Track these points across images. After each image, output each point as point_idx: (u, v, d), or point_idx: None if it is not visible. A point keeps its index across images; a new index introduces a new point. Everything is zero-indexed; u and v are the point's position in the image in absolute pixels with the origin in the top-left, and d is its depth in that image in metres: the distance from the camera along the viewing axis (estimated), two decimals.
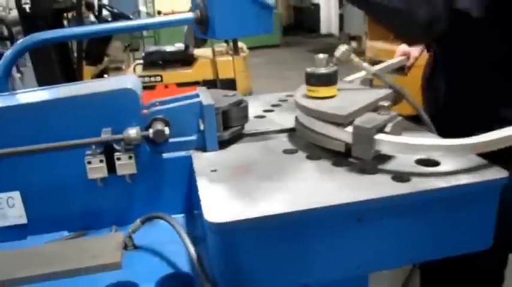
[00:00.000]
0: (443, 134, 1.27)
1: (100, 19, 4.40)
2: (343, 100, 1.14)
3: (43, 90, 1.22)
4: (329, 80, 1.14)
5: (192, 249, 0.94)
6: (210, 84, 4.38)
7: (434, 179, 0.95)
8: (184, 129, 1.19)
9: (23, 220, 1.15)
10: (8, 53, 1.29)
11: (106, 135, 1.08)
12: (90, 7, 4.41)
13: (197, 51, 4.72)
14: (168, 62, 4.38)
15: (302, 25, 14.40)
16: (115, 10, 4.45)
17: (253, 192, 0.93)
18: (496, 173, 0.95)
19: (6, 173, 1.09)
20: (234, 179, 1.01)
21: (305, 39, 13.18)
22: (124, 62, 6.41)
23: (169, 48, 4.49)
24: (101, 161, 1.10)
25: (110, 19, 4.26)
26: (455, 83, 1.42)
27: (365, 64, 1.22)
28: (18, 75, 6.54)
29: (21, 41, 1.29)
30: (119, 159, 1.11)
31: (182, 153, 1.19)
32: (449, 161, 1.02)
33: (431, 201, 0.93)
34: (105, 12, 4.56)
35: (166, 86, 4.38)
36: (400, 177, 0.96)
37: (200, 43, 4.66)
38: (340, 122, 1.04)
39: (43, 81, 4.33)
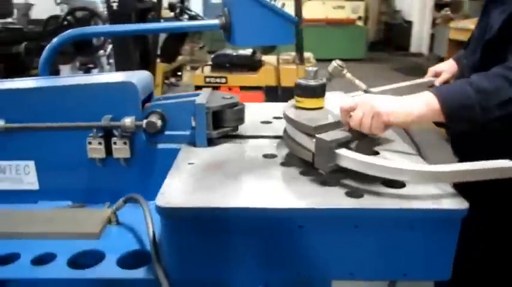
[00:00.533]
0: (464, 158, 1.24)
1: (180, 20, 4.71)
2: (325, 113, 1.17)
3: (65, 77, 1.41)
4: (313, 92, 1.18)
5: (150, 230, 1.03)
6: (272, 90, 4.49)
7: (387, 199, 0.95)
8: (179, 125, 1.30)
9: (35, 187, 1.33)
10: (53, 41, 1.51)
11: (105, 121, 1.22)
12: (172, 8, 4.75)
13: (265, 58, 4.85)
14: (235, 66, 4.55)
15: (391, 42, 14.00)
16: (192, 12, 4.75)
17: (209, 187, 1.00)
18: (455, 204, 0.93)
19: (24, 145, 1.28)
20: (203, 173, 1.09)
21: (391, 57, 12.78)
22: (202, 63, 6.73)
23: (237, 52, 4.67)
24: (100, 143, 1.24)
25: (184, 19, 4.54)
26: None
27: (357, 81, 1.23)
28: (108, 67, 7.19)
29: (61, 35, 1.49)
30: (115, 143, 1.24)
31: (175, 145, 1.29)
32: (416, 185, 1.01)
33: (379, 220, 0.93)
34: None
35: (230, 89, 4.56)
36: (354, 193, 0.97)
37: (267, 50, 4.79)
38: (310, 133, 1.07)
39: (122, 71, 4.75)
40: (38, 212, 1.24)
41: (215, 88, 4.58)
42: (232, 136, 1.35)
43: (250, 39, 1.57)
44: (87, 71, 7.02)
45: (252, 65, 4.60)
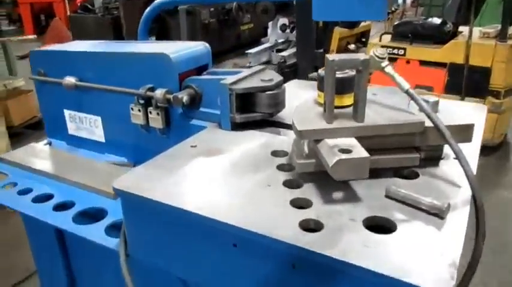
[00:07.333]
0: None
1: None
2: (337, 115, 0.93)
3: (128, 44, 1.49)
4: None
5: None
6: (458, 69, 3.81)
7: (344, 243, 0.72)
8: (213, 103, 1.23)
9: (102, 140, 1.49)
10: (146, 11, 1.61)
11: (143, 90, 1.26)
12: None
13: (463, 29, 4.11)
14: (418, 36, 4.00)
15: None
16: None
17: (172, 176, 0.94)
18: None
19: (92, 101, 1.43)
20: (188, 160, 1.02)
21: None
22: None
23: (424, 20, 4.08)
24: (139, 110, 1.29)
25: None
26: None
27: (400, 78, 0.92)
28: None
29: (152, 5, 1.58)
30: (150, 113, 1.28)
31: (206, 123, 1.25)
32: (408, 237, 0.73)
33: (321, 267, 0.71)
34: None
35: (408, 62, 4.07)
36: (316, 223, 0.77)
37: (462, 20, 4.03)
38: (297, 135, 0.89)
39: (302, 36, 4.85)
40: (84, 162, 1.40)
41: (392, 60, 4.21)
42: (269, 122, 1.21)
43: (329, 13, 1.34)
44: (285, 30, 7.37)
45: (439, 36, 3.98)
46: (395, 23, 4.31)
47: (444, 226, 0.76)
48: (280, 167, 0.98)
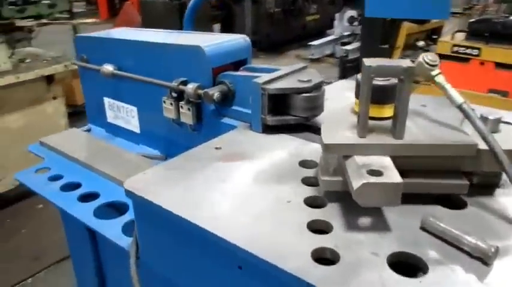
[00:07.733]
0: None
1: None
2: (374, 128, 0.81)
3: (170, 33, 1.44)
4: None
5: None
6: None
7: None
8: (248, 101, 1.15)
9: (138, 130, 1.46)
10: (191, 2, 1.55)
11: (175, 83, 1.20)
12: None
13: None
14: (496, 36, 3.63)
15: None
16: None
17: (187, 181, 0.87)
18: None
19: (129, 91, 1.40)
20: (209, 163, 0.95)
21: None
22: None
23: (505, 18, 3.69)
24: (171, 104, 1.24)
25: None
26: None
27: (452, 90, 0.78)
28: None
29: None
30: (181, 107, 1.22)
31: (238, 123, 1.17)
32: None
33: None
34: None
35: (482, 63, 3.72)
36: (331, 253, 0.67)
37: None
38: (323, 148, 0.78)
39: (367, 30, 4.59)
40: (122, 154, 1.38)
41: (464, 61, 3.89)
42: (304, 127, 1.11)
43: (383, 9, 1.22)
44: (352, 22, 7.10)
45: None
46: (472, 20, 3.96)
47: (488, 275, 0.63)
48: (306, 181, 0.88)
